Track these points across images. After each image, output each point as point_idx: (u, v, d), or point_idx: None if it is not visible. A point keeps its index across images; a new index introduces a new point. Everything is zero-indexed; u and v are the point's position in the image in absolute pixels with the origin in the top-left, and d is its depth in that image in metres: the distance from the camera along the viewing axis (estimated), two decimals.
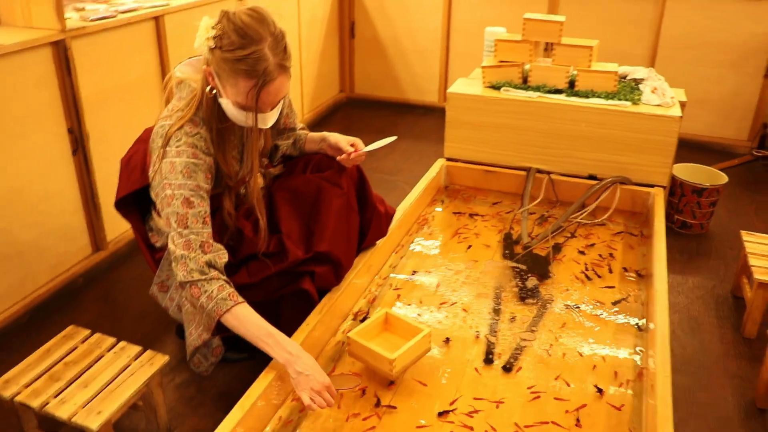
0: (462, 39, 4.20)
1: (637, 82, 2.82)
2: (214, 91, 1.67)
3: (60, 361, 1.81)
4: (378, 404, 1.71)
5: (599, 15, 3.79)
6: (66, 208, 2.43)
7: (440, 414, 1.68)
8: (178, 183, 1.65)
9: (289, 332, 1.80)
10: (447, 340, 1.96)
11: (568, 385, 1.79)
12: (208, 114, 1.70)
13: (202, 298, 1.63)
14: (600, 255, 2.41)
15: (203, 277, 1.63)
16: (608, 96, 2.66)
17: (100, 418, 1.63)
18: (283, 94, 1.66)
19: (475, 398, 1.74)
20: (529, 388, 1.78)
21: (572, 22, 3.46)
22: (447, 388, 1.78)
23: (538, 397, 1.75)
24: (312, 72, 4.15)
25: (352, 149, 1.98)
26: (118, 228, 2.64)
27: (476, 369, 1.85)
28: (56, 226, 2.40)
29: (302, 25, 3.92)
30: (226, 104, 1.66)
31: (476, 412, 1.70)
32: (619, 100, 2.63)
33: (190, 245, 1.64)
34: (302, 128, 2.16)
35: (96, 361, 1.81)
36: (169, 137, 1.67)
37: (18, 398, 1.69)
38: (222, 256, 1.69)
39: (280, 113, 2.02)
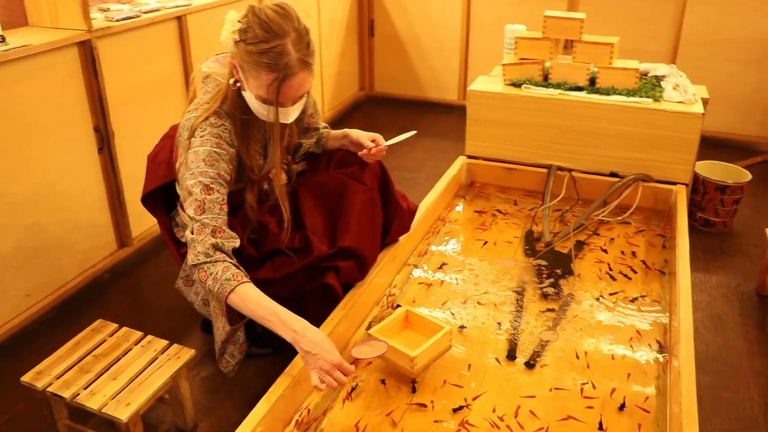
0: (481, 36, 4.20)
1: (659, 79, 2.81)
2: (238, 84, 1.69)
3: (89, 353, 1.84)
4: (406, 398, 1.73)
5: (619, 12, 3.78)
6: (92, 204, 2.47)
7: (456, 409, 1.70)
8: (200, 170, 1.67)
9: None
10: (462, 327, 1.99)
11: (592, 384, 1.79)
12: (233, 107, 1.72)
13: (209, 282, 1.61)
14: (622, 252, 2.40)
15: (208, 260, 1.62)
16: (629, 93, 2.65)
17: (129, 410, 1.66)
18: (305, 90, 1.68)
19: (497, 394, 1.75)
20: (551, 386, 1.79)
21: (592, 19, 3.46)
22: (469, 384, 1.79)
23: (561, 393, 1.76)
24: (332, 70, 4.18)
25: (373, 144, 1.99)
26: (142, 225, 2.68)
27: (498, 362, 1.86)
28: (83, 222, 2.44)
29: (322, 24, 3.94)
30: (249, 97, 1.68)
31: (498, 408, 1.71)
32: (641, 97, 2.62)
33: (201, 230, 1.64)
34: (324, 127, 2.18)
35: (124, 354, 1.84)
36: (194, 128, 1.70)
37: (50, 389, 1.73)
38: (231, 242, 1.67)
39: (305, 112, 2.05)
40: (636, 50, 3.65)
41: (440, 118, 4.34)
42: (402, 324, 1.90)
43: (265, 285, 1.80)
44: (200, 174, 1.67)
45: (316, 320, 1.85)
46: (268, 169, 1.93)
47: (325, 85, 4.11)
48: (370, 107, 4.59)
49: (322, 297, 1.93)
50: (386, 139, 2.06)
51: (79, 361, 1.81)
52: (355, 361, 1.71)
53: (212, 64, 1.82)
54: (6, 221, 2.15)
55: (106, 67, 2.39)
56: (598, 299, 2.15)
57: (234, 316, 1.73)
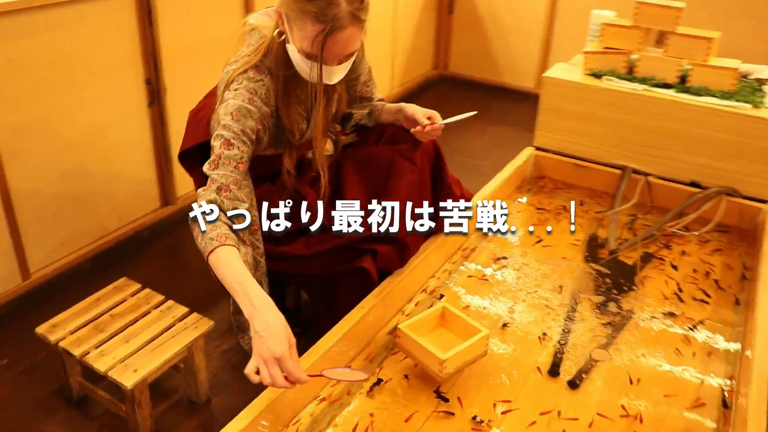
0: (567, 21, 3.94)
1: (761, 82, 2.52)
2: (283, 36, 1.56)
3: (107, 312, 1.77)
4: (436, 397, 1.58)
5: (728, 5, 3.44)
6: (139, 158, 2.41)
7: (481, 422, 1.54)
8: (224, 124, 1.54)
9: (345, 313, 1.69)
10: (505, 325, 1.85)
11: (640, 418, 1.59)
12: (276, 61, 1.60)
13: (198, 239, 1.46)
14: (694, 271, 2.16)
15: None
16: (724, 96, 2.38)
17: (136, 377, 1.58)
18: (353, 48, 1.52)
19: (531, 411, 1.58)
20: (595, 411, 1.60)
21: (694, 12, 3.15)
22: (503, 393, 1.62)
23: (605, 422, 1.57)
24: (405, 45, 4.01)
25: (428, 122, 1.83)
26: (188, 184, 2.60)
27: (539, 372, 1.69)
28: (128, 175, 2.38)
29: None
30: (293, 51, 1.55)
31: (530, 428, 1.54)
32: (737, 101, 2.35)
33: (209, 186, 1.51)
34: (380, 99, 2.03)
35: (141, 317, 1.76)
36: (231, 81, 1.58)
37: (62, 343, 1.67)
38: (234, 203, 1.51)
39: (357, 79, 1.90)
40: (741, 50, 3.32)
41: (514, 106, 4.12)
42: (437, 321, 1.74)
43: (297, 260, 1.68)
44: (223, 128, 1.55)
45: (348, 306, 1.73)
46: (311, 136, 1.79)
47: (396, 60, 3.95)
48: (441, 88, 4.41)
49: (357, 281, 1.79)
50: (444, 118, 1.90)
51: (96, 318, 1.75)
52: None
53: (260, 16, 1.70)
54: (50, 162, 2.10)
55: (163, 20, 2.30)
56: (659, 319, 1.93)
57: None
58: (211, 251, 1.42)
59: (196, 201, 1.49)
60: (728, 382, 1.71)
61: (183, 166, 1.92)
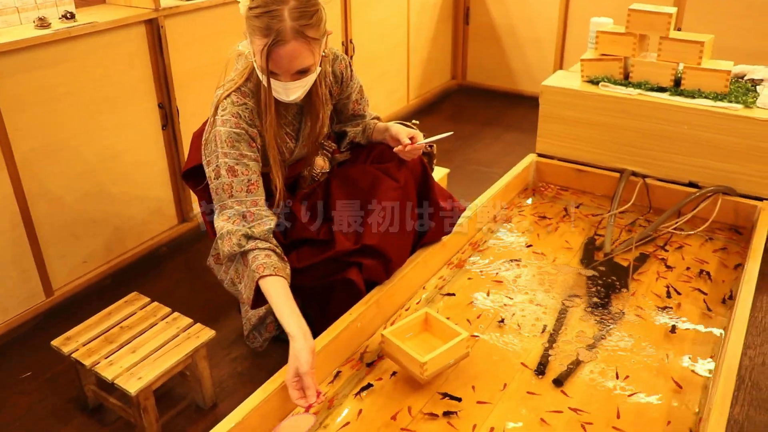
0: (579, 28, 3.97)
1: (755, 83, 2.54)
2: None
3: (117, 324, 1.90)
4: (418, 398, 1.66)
5: (733, 8, 3.43)
6: (155, 179, 2.55)
7: (451, 414, 1.61)
8: (223, 152, 1.67)
9: (335, 320, 1.79)
10: (501, 322, 1.94)
11: (617, 412, 1.65)
12: (257, 84, 1.71)
13: (245, 270, 1.67)
14: (688, 270, 2.19)
15: (241, 249, 1.65)
16: (717, 97, 2.41)
17: (140, 383, 1.70)
18: (302, 64, 1.61)
19: (514, 406, 1.65)
20: (576, 408, 1.66)
21: (696, 15, 3.17)
22: (488, 388, 1.70)
23: (585, 417, 1.63)
24: (421, 57, 4.10)
25: (408, 141, 1.92)
26: None
27: (524, 366, 1.78)
28: (145, 195, 2.53)
29: (411, 9, 3.86)
30: (257, 68, 1.66)
31: (511, 421, 1.60)
32: (730, 102, 2.37)
33: (235, 219, 1.66)
34: (374, 117, 2.12)
35: (149, 329, 1.89)
36: (217, 106, 1.70)
37: (75, 355, 1.80)
38: (261, 225, 1.68)
39: (349, 99, 2.00)
40: (742, 51, 3.31)
41: (529, 113, 4.15)
42: (421, 326, 1.82)
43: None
44: (223, 155, 1.67)
45: (339, 313, 1.83)
46: (301, 154, 1.90)
47: (412, 71, 4.04)
48: (459, 97, 4.48)
49: (347, 292, 1.89)
50: (443, 132, 1.99)
51: (107, 330, 1.88)
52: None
53: (248, 43, 1.80)
54: (69, 185, 2.25)
55: (173, 46, 2.44)
56: (650, 320, 1.97)
57: (259, 300, 1.71)
58: (257, 280, 1.63)
59: (227, 238, 1.66)
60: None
61: (187, 184, 2.04)
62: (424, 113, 4.15)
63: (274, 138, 1.74)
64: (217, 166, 1.69)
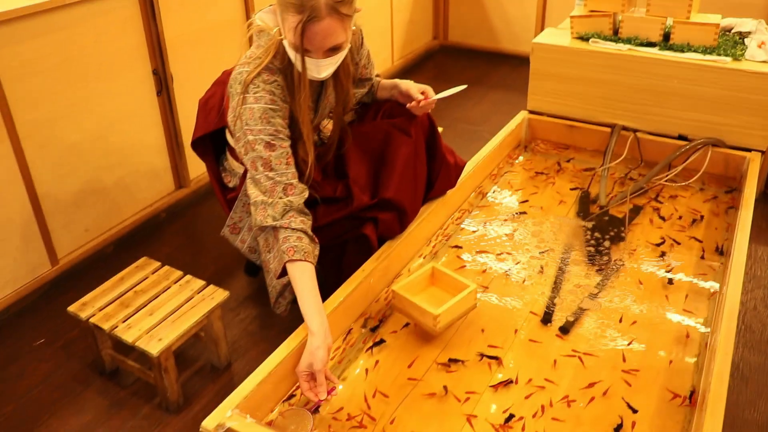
0: None
1: (743, 35, 2.59)
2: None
3: (131, 289, 1.92)
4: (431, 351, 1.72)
5: None
6: (151, 146, 2.55)
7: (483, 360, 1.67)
8: (258, 128, 1.68)
9: (347, 278, 1.83)
10: (501, 278, 1.98)
11: (623, 357, 1.73)
12: (285, 61, 1.71)
13: (275, 244, 1.69)
14: (681, 219, 2.28)
15: (275, 223, 1.66)
16: (706, 50, 2.46)
17: (161, 345, 1.73)
18: (336, 41, 1.62)
19: (525, 356, 1.72)
20: (584, 353, 1.73)
21: None
22: (497, 340, 1.76)
23: (593, 360, 1.70)
24: (403, 18, 4.09)
25: (422, 97, 1.94)
26: (200, 167, 2.74)
27: (533, 315, 1.83)
28: (142, 163, 2.53)
29: None
30: (287, 46, 1.66)
31: (522, 370, 1.68)
32: (718, 55, 2.43)
33: (273, 189, 1.67)
34: (377, 75, 2.14)
35: (163, 292, 1.91)
36: (247, 84, 1.69)
37: (92, 320, 1.82)
38: (301, 196, 1.70)
39: (357, 64, 2.00)
40: (731, 4, 3.36)
41: (513, 71, 4.19)
42: (428, 281, 1.87)
43: None
44: (259, 131, 1.67)
45: (352, 271, 1.87)
46: (317, 122, 1.92)
47: (395, 33, 4.03)
48: (442, 57, 4.49)
49: (359, 248, 1.93)
50: (442, 89, 2.01)
51: (121, 295, 1.90)
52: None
53: (265, 15, 1.79)
54: (67, 160, 2.25)
55: (165, 11, 2.42)
56: (646, 268, 2.05)
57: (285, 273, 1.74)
58: (286, 263, 1.64)
59: (262, 207, 1.67)
60: (707, 323, 1.83)
61: (196, 153, 2.05)
62: (408, 74, 4.16)
63: (306, 113, 1.75)
64: (252, 140, 1.68)
